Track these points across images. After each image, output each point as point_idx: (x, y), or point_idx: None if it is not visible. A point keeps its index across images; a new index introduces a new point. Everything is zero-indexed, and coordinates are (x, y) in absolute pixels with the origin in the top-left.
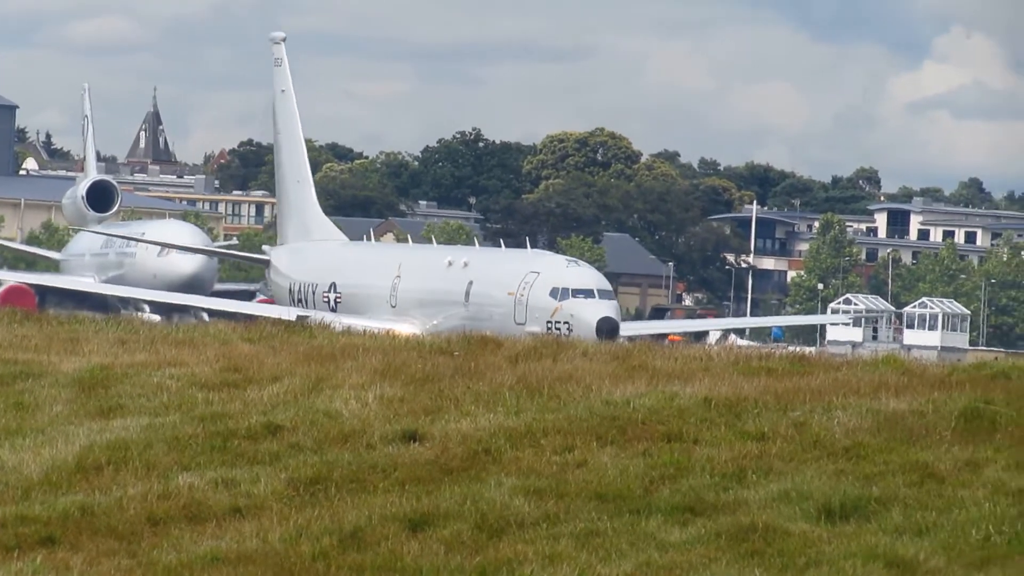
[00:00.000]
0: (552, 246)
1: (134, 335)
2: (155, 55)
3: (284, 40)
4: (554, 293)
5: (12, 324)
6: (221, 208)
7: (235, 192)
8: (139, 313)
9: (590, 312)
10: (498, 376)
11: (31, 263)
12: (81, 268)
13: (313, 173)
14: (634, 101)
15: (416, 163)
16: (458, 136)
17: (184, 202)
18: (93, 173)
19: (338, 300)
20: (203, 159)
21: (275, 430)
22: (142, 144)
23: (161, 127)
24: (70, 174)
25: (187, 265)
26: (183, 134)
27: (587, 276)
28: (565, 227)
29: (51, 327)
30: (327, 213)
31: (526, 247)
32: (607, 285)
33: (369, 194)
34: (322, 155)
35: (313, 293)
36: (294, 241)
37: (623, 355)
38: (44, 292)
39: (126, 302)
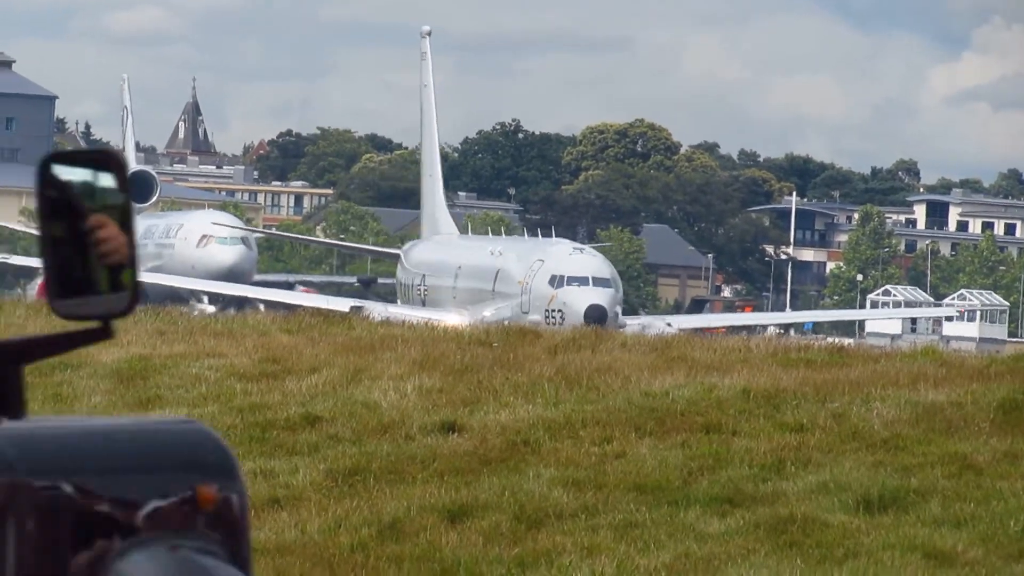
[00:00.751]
0: (591, 237)
1: (173, 326)
2: (194, 45)
3: (429, 34)
4: (552, 281)
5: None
6: (260, 199)
7: (274, 183)
8: (197, 305)
9: (581, 299)
10: (537, 367)
11: None
12: None
13: (351, 165)
14: (674, 92)
15: (456, 154)
16: (498, 127)
17: (223, 192)
18: (132, 163)
19: (426, 293)
20: (242, 150)
21: (314, 421)
22: (181, 134)
23: (200, 117)
24: None
25: (226, 256)
26: (222, 124)
27: (586, 263)
28: (604, 218)
29: None
30: (365, 204)
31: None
32: (606, 273)
33: (409, 185)
34: (361, 146)
35: (413, 287)
36: (426, 235)
37: (662, 347)
38: None
39: (181, 294)
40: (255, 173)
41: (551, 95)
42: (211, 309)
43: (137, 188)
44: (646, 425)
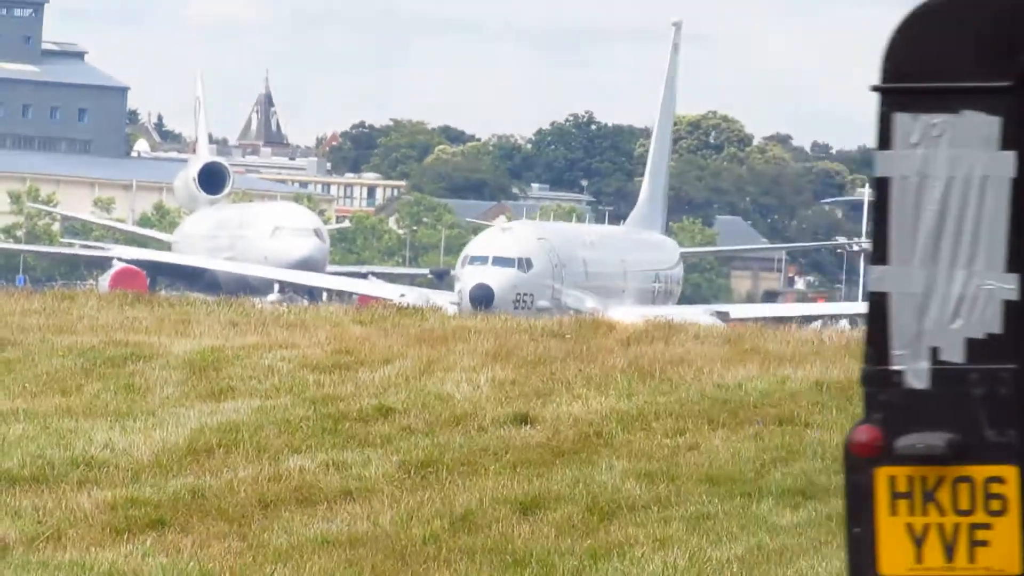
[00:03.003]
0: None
1: (245, 317)
2: (267, 36)
3: (679, 25)
4: (463, 262)
5: (123, 306)
6: (333, 190)
7: (347, 174)
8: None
9: (470, 280)
10: (610, 359)
11: (142, 245)
12: (193, 249)
13: (425, 156)
14: (747, 82)
15: (529, 146)
16: (571, 119)
17: (296, 184)
18: (205, 155)
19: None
20: (315, 141)
21: (386, 412)
22: (254, 126)
23: (273, 109)
24: (182, 156)
25: (298, 247)
26: (295, 116)
27: (496, 242)
28: (677, 210)
29: (162, 309)
30: (438, 195)
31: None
32: (513, 252)
33: (482, 176)
34: (434, 138)
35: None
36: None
37: (735, 339)
38: (155, 274)
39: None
40: (328, 165)
41: (624, 86)
42: (272, 298)
43: (209, 180)
44: (719, 417)
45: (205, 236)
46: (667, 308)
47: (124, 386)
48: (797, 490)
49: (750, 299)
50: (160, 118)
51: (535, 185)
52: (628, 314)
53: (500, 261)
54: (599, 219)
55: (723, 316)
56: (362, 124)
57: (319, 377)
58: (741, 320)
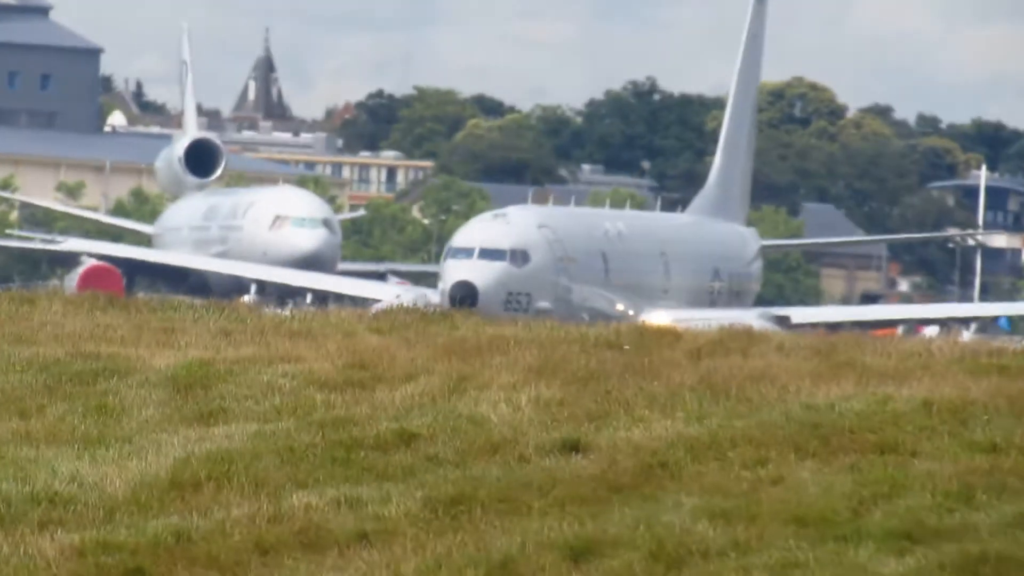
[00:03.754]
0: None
1: (240, 324)
2: None
3: None
4: (447, 254)
5: (94, 311)
6: (345, 172)
7: (362, 153)
8: (248, 299)
9: (451, 276)
10: (676, 374)
11: (117, 237)
12: (178, 243)
13: (455, 131)
14: (840, 45)
15: (579, 119)
16: (630, 87)
17: (301, 165)
18: (193, 130)
19: None
20: (324, 113)
21: (409, 439)
22: (251, 95)
23: (274, 75)
24: (165, 131)
25: (305, 240)
26: (300, 83)
27: (485, 231)
28: (756, 196)
29: (140, 314)
30: (471, 178)
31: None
32: (504, 243)
33: (522, 156)
34: (467, 109)
35: None
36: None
37: (827, 350)
38: (133, 273)
39: (247, 286)
40: (339, 142)
41: (693, 48)
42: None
43: (199, 159)
44: (808, 444)
45: (192, 228)
46: (710, 312)
47: (95, 407)
48: (902, 533)
49: (845, 303)
50: (139, 85)
51: (586, 166)
52: (662, 318)
53: (488, 253)
54: (664, 207)
55: (782, 321)
56: (380, 93)
57: (328, 396)
58: (805, 326)
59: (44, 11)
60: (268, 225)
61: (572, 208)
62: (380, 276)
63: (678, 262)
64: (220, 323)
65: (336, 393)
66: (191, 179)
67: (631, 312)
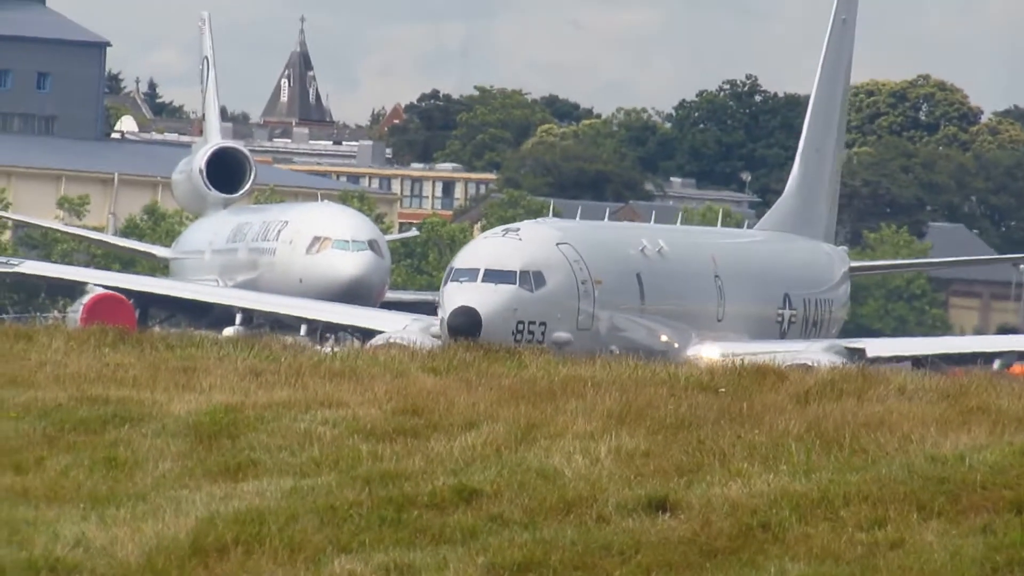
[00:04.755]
0: (856, 240)
1: (272, 363)
2: None
3: None
4: (448, 276)
5: (101, 348)
6: (395, 186)
7: (414, 165)
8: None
9: (452, 302)
10: (780, 421)
11: (128, 262)
12: (199, 269)
13: (523, 139)
14: (973, 39)
15: (668, 125)
16: (726, 87)
17: (344, 178)
18: (216, 137)
19: None
20: (370, 118)
21: (469, 496)
22: (284, 97)
23: (311, 73)
24: (183, 139)
25: (348, 265)
26: (342, 83)
27: (492, 248)
28: (875, 213)
29: (156, 352)
30: (541, 193)
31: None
32: (515, 264)
33: (602, 168)
34: (536, 113)
35: None
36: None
37: (955, 393)
38: (147, 303)
39: (283, 319)
40: (388, 151)
41: (799, 42)
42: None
43: (223, 171)
44: (933, 502)
45: (216, 251)
46: (770, 345)
47: (103, 460)
48: None
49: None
50: (152, 85)
51: (676, 179)
52: (711, 351)
53: (495, 275)
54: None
55: (855, 354)
56: (436, 95)
57: (376, 447)
58: (882, 359)
59: None
60: (305, 248)
61: (601, 223)
62: (434, 307)
63: (736, 286)
64: (249, 362)
65: (385, 443)
66: (214, 194)
67: (676, 344)
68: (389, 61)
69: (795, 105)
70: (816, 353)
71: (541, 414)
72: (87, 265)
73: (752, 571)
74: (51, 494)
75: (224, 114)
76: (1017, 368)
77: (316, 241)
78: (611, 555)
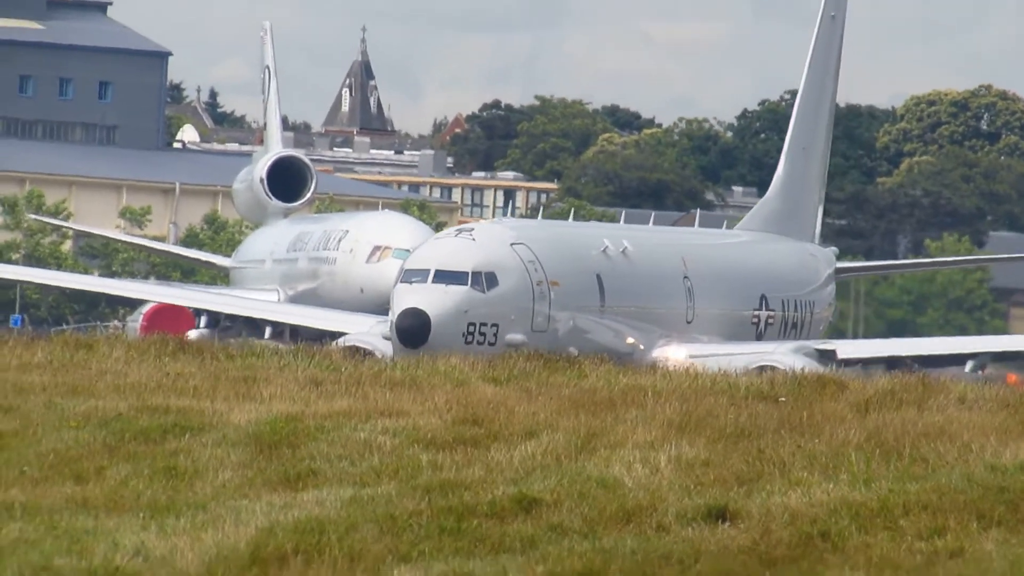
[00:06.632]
0: (918, 249)
1: (332, 373)
2: None
3: None
4: (398, 278)
5: (161, 357)
6: (456, 195)
7: (475, 174)
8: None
9: (400, 305)
10: (840, 430)
11: (189, 272)
12: (259, 279)
13: (584, 148)
14: None
15: (729, 135)
16: (788, 97)
17: (405, 187)
18: (277, 146)
19: None
20: (431, 128)
21: (529, 505)
22: (345, 107)
23: (372, 83)
24: (244, 148)
25: None
26: (403, 93)
27: (444, 248)
28: (935, 223)
29: (216, 361)
30: (603, 203)
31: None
32: (467, 264)
33: (663, 177)
34: (598, 122)
35: None
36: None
37: (1016, 402)
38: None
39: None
40: (449, 160)
41: (862, 52)
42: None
43: (284, 181)
44: (993, 511)
45: (277, 260)
46: (738, 346)
47: (163, 469)
48: None
49: None
50: (213, 95)
51: (738, 188)
52: (678, 353)
53: (445, 276)
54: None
55: (826, 355)
56: (497, 104)
57: (436, 456)
58: (854, 361)
59: (103, 8)
60: (366, 257)
61: (560, 222)
62: None
63: (708, 287)
64: (309, 371)
65: (445, 452)
66: (275, 204)
67: (641, 346)
68: (450, 72)
69: (856, 115)
70: (784, 355)
71: (601, 423)
72: (146, 276)
73: None
74: (111, 503)
75: (285, 123)
76: (1011, 377)
77: (376, 250)
78: (670, 564)
